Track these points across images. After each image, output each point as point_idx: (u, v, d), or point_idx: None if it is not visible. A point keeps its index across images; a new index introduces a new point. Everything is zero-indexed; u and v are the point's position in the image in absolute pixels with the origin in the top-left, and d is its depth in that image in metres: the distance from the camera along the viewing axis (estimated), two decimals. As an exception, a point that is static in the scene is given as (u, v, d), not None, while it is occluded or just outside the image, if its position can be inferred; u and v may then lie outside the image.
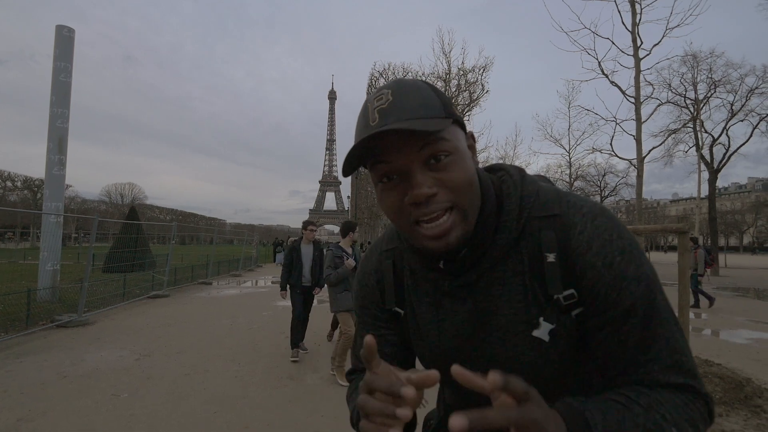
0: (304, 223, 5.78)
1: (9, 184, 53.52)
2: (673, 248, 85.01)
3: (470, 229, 0.63)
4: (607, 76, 6.26)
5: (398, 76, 20.38)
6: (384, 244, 0.83)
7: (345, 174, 0.64)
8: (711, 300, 9.81)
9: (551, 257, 0.63)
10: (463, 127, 0.66)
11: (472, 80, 17.11)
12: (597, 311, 0.62)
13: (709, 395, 0.60)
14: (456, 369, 0.45)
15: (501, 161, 26.43)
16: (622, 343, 0.60)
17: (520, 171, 0.72)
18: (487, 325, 0.68)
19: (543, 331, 0.64)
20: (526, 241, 0.65)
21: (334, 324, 6.32)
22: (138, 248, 14.12)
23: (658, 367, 0.58)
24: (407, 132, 0.57)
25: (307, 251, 5.57)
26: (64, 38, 9.43)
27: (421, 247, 0.64)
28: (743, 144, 21.78)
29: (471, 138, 0.68)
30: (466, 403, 0.73)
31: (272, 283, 14.91)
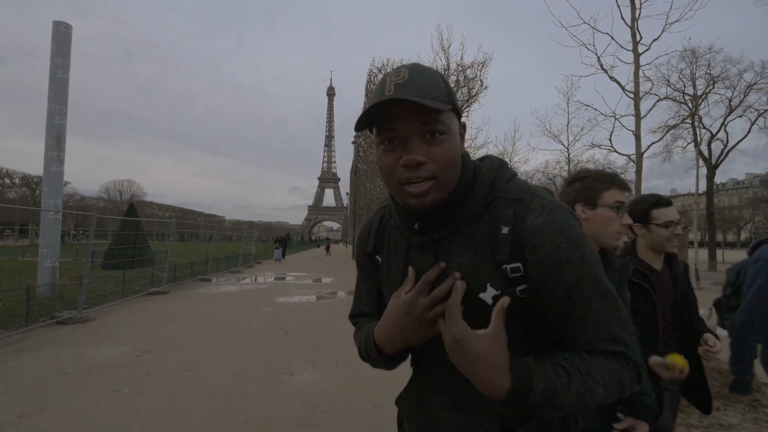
0: None
1: (7, 181, 53.40)
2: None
3: (443, 197, 0.74)
4: (606, 72, 6.25)
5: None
6: (382, 203, 0.99)
7: (356, 129, 0.75)
8: None
9: (505, 230, 0.73)
10: (458, 115, 0.78)
11: (470, 76, 17.06)
12: (542, 288, 0.72)
13: (639, 362, 0.71)
14: None
15: (500, 156, 26.47)
16: (566, 317, 0.71)
17: (502, 162, 0.83)
18: (442, 278, 0.76)
19: (488, 294, 0.73)
20: (488, 215, 0.76)
21: None
22: (137, 245, 14.13)
23: (597, 338, 0.69)
24: (414, 106, 0.68)
25: None
26: (62, 34, 9.38)
27: (403, 205, 0.77)
28: (741, 140, 21.76)
29: (462, 128, 0.81)
30: (435, 386, 0.87)
31: (274, 279, 14.93)
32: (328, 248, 42.34)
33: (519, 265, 0.72)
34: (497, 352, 0.67)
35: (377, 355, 0.85)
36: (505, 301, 0.70)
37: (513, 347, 0.72)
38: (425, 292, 0.74)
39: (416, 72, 0.72)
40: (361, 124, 0.74)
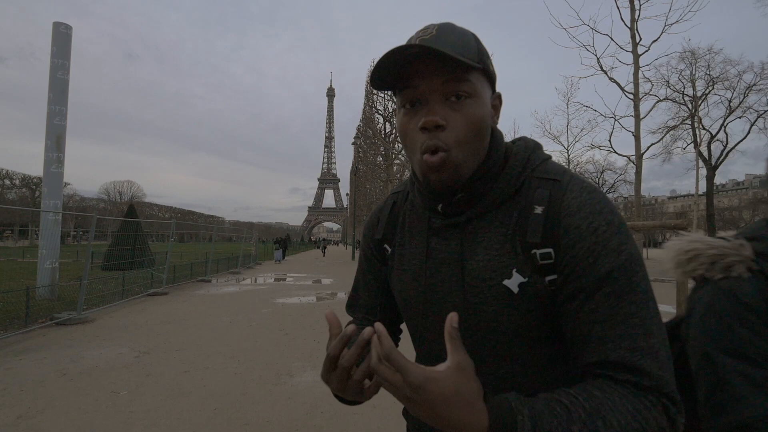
0: None
1: (7, 182, 53.39)
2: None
3: (467, 173, 0.66)
4: (606, 73, 6.25)
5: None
6: (396, 187, 0.89)
7: (373, 85, 0.67)
8: None
9: (539, 210, 0.65)
10: (492, 83, 0.70)
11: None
12: (572, 276, 0.61)
13: (674, 398, 0.54)
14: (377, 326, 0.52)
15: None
16: (592, 314, 0.59)
17: (537, 144, 0.74)
18: (463, 266, 0.69)
19: (513, 281, 0.64)
20: (521, 196, 0.68)
21: None
22: (137, 246, 14.13)
23: (626, 345, 0.55)
24: (438, 62, 0.61)
25: None
26: (62, 35, 9.38)
27: (424, 181, 0.67)
28: (741, 141, 21.89)
29: (498, 99, 0.72)
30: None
31: (274, 280, 14.92)
32: (324, 249, 42.07)
33: (550, 251, 0.63)
34: (467, 385, 0.51)
35: (340, 399, 0.70)
36: (453, 318, 0.53)
37: (538, 350, 0.66)
38: (344, 347, 0.60)
39: (445, 28, 0.64)
40: (379, 79, 0.65)
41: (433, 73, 0.62)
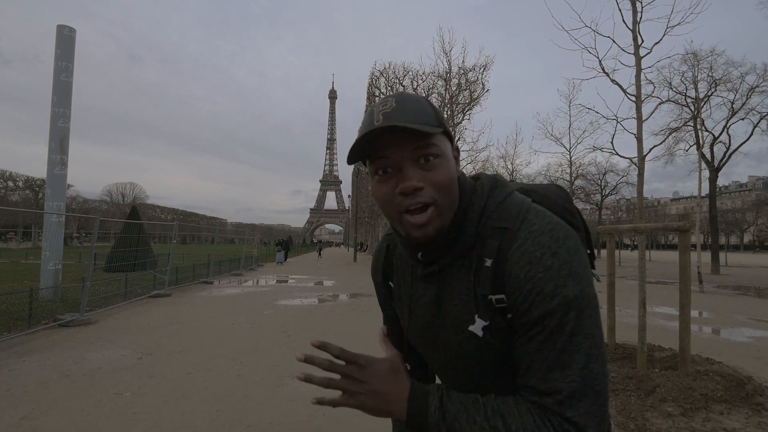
0: None
1: (11, 184, 53.61)
2: (672, 246, 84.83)
3: (445, 224, 0.72)
4: (608, 75, 6.24)
5: (398, 75, 20.38)
6: (388, 230, 0.97)
7: (349, 162, 0.75)
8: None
9: (488, 262, 0.71)
10: (450, 139, 0.77)
11: (472, 79, 17.10)
12: (516, 316, 0.68)
13: (577, 423, 0.60)
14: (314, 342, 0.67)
15: (501, 159, 26.15)
16: (526, 346, 0.66)
17: (495, 181, 0.79)
18: (442, 310, 0.78)
19: (477, 326, 0.72)
20: (480, 245, 0.74)
21: None
22: (139, 248, 14.16)
23: (542, 374, 0.63)
24: (404, 133, 0.68)
25: None
26: (65, 38, 9.44)
27: (405, 235, 0.74)
28: (744, 142, 21.78)
29: (456, 150, 0.79)
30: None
31: (276, 282, 14.93)
32: (319, 251, 42.01)
33: (503, 296, 0.69)
34: (399, 368, 0.75)
35: None
36: (383, 329, 0.76)
37: (514, 382, 0.71)
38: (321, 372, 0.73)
39: (402, 99, 0.71)
40: (354, 156, 0.73)
41: (403, 144, 0.69)
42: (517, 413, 0.63)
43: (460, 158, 0.82)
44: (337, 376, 0.72)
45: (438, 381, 0.94)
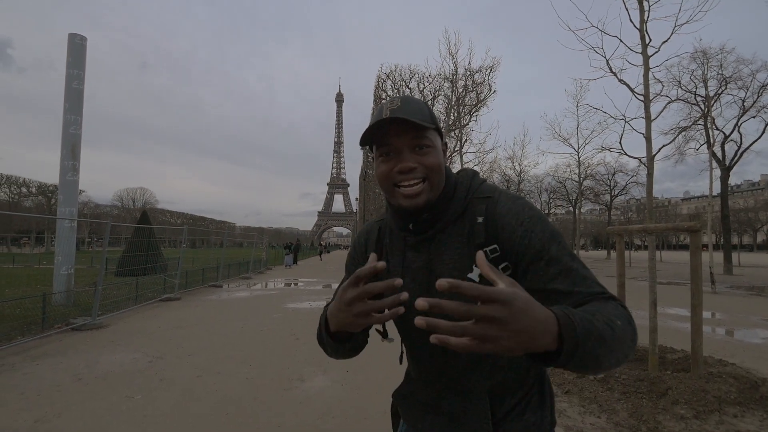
0: None
1: (24, 190, 54.41)
2: (683, 247, 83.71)
3: (433, 198, 0.92)
4: (615, 75, 6.19)
5: (405, 78, 20.44)
6: (378, 218, 1.15)
7: (361, 144, 0.96)
8: None
9: (480, 219, 0.92)
10: (441, 135, 0.98)
11: (479, 80, 17.02)
12: (518, 258, 0.86)
13: (621, 301, 0.80)
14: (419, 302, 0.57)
15: (509, 161, 26.06)
16: (544, 276, 0.82)
17: (475, 172, 1.04)
18: (435, 270, 0.94)
19: (474, 274, 0.88)
20: (468, 213, 0.95)
21: None
22: (150, 252, 14.26)
23: (580, 286, 0.80)
24: (406, 124, 0.88)
25: None
26: (77, 46, 9.59)
27: (397, 206, 0.94)
28: (756, 141, 21.40)
29: (444, 146, 1.00)
30: (428, 375, 1.02)
31: (285, 285, 14.99)
32: (320, 253, 42.03)
33: (495, 246, 0.88)
34: (540, 308, 0.61)
35: (325, 329, 0.91)
36: (480, 255, 0.65)
37: None
38: (355, 285, 0.74)
39: (406, 101, 0.91)
40: (365, 140, 0.94)
41: (403, 133, 0.90)
42: (605, 307, 0.75)
43: (467, 159, 1.00)
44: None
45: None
